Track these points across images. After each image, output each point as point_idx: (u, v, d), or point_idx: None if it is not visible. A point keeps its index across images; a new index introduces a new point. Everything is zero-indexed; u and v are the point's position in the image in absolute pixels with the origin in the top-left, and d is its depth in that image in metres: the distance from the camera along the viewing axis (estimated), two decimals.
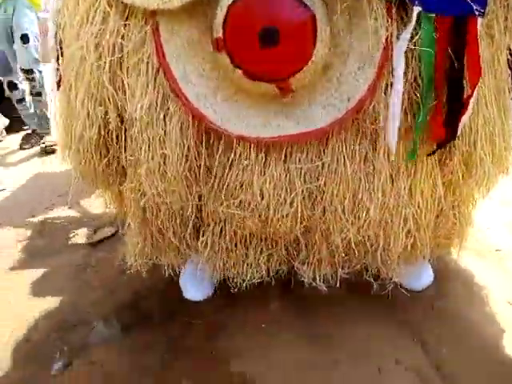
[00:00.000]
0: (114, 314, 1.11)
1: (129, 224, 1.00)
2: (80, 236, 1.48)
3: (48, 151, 2.29)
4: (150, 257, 1.01)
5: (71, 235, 1.48)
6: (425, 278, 1.14)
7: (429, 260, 1.11)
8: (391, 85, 0.74)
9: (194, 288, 1.14)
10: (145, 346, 1.01)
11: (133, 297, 1.16)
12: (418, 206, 0.88)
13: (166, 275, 1.05)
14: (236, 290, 1.01)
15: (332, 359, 0.97)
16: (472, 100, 0.78)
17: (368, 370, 0.94)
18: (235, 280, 1.02)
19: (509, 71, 0.87)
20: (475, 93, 0.77)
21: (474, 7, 0.71)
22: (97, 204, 1.58)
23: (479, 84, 0.79)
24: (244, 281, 0.99)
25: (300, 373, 0.95)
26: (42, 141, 2.36)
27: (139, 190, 0.89)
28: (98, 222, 1.54)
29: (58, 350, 1.01)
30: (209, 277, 1.11)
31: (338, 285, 0.99)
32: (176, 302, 1.13)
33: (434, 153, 0.83)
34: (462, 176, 0.88)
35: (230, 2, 0.68)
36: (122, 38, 0.80)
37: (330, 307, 1.09)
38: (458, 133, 0.81)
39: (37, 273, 1.29)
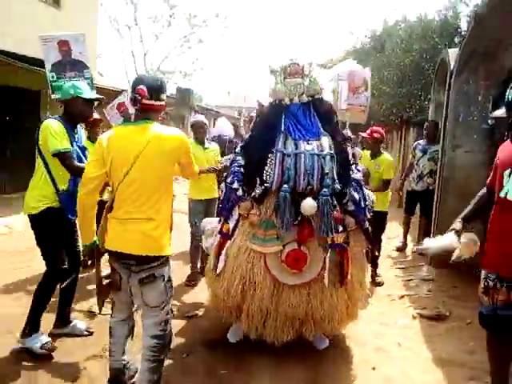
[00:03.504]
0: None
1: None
2: None
3: None
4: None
5: None
6: (323, 344, 2.94)
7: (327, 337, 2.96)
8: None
9: (233, 336, 2.96)
10: None
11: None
12: (331, 308, 2.68)
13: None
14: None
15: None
16: (349, 272, 2.71)
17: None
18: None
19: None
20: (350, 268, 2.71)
21: (345, 246, 2.70)
22: None
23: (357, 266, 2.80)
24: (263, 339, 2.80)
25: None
26: None
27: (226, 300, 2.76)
28: None
29: None
30: (240, 333, 2.93)
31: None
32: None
33: (341, 285, 2.72)
34: (338, 297, 2.72)
35: (288, 250, 2.66)
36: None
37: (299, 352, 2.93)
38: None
39: None
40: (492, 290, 2.13)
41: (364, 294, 2.96)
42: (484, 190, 2.38)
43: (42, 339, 2.72)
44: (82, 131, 2.99)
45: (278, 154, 2.68)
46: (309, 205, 2.60)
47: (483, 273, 2.21)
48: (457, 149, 4.63)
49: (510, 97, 2.14)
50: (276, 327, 2.74)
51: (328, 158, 2.69)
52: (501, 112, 2.23)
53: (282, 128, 2.77)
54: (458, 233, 2.20)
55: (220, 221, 2.97)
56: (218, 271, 2.79)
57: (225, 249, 2.80)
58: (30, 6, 8.01)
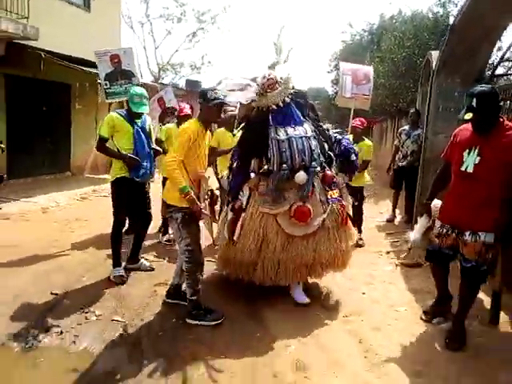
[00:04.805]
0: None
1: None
2: None
3: None
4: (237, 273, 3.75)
5: None
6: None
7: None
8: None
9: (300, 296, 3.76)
10: None
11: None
12: (336, 250, 3.61)
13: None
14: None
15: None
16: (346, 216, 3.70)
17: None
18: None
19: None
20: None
21: (340, 199, 3.66)
22: None
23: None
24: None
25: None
26: None
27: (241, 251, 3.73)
28: None
29: None
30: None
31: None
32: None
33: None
34: (340, 241, 3.72)
35: (295, 207, 3.53)
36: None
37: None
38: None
39: None
40: (444, 235, 3.01)
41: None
42: (440, 168, 3.22)
43: (118, 272, 3.73)
44: (145, 117, 3.87)
45: (274, 141, 3.33)
46: (302, 177, 3.36)
47: (439, 223, 3.07)
48: (437, 135, 5.59)
49: (474, 104, 2.65)
50: (287, 274, 3.43)
51: (312, 138, 3.42)
52: (469, 115, 2.70)
53: (271, 122, 3.39)
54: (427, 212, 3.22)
55: (231, 200, 3.60)
56: (235, 238, 3.42)
57: (240, 220, 3.42)
58: (66, 10, 8.93)
